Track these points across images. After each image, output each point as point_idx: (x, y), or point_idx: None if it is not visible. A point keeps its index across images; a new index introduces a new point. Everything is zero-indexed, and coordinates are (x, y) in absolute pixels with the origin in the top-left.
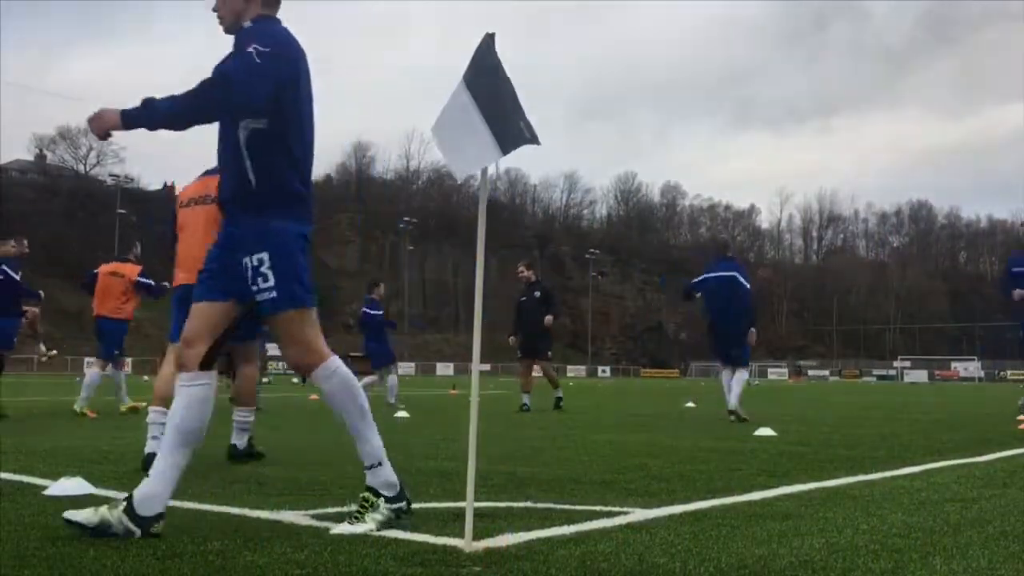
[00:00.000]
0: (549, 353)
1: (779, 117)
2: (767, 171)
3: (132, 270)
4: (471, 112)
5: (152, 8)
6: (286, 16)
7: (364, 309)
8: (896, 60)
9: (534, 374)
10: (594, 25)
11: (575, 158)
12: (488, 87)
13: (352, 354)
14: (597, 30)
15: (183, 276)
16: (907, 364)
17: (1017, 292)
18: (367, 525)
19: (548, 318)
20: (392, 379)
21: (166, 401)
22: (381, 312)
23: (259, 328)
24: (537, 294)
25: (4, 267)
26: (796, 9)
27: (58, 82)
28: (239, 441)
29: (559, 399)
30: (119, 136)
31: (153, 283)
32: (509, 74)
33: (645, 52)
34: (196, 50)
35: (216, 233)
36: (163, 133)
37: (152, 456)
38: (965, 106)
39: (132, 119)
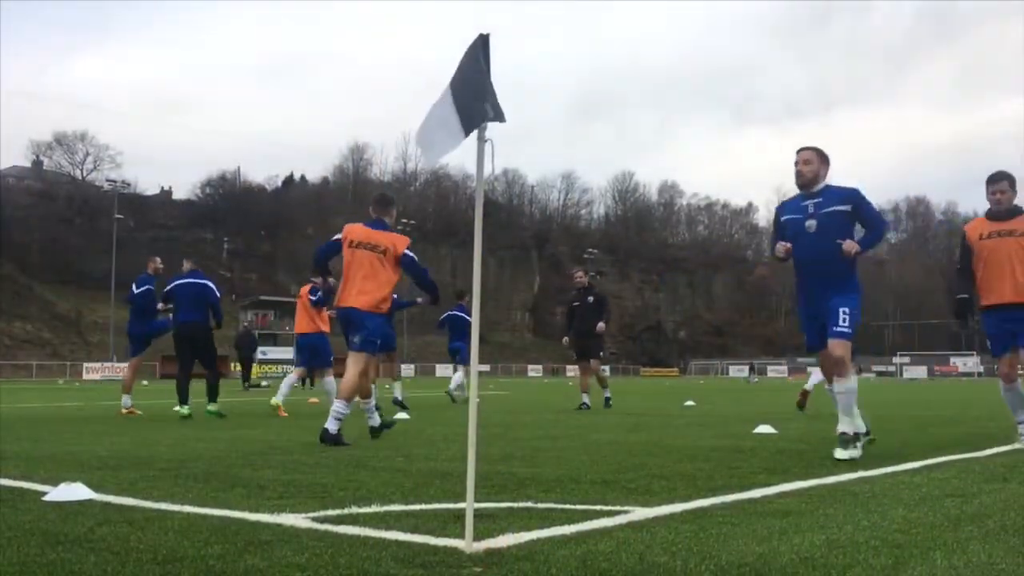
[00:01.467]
0: (601, 354)
1: (776, 114)
2: (764, 169)
3: (305, 290)
4: (447, 106)
5: (151, 11)
6: (285, 16)
7: (456, 313)
8: (894, 55)
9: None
10: (591, 25)
11: (572, 158)
12: (462, 77)
13: None
14: (594, 30)
15: (344, 300)
16: (906, 360)
17: (780, 245)
18: None
19: (600, 325)
20: (460, 375)
21: (349, 396)
22: (470, 317)
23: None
24: (591, 299)
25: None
26: (795, 8)
27: (55, 87)
28: (331, 426)
29: (608, 399)
30: (115, 140)
31: (318, 297)
32: (507, 73)
33: (641, 51)
34: (196, 53)
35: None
36: (163, 137)
37: (327, 431)
38: (962, 101)
39: None
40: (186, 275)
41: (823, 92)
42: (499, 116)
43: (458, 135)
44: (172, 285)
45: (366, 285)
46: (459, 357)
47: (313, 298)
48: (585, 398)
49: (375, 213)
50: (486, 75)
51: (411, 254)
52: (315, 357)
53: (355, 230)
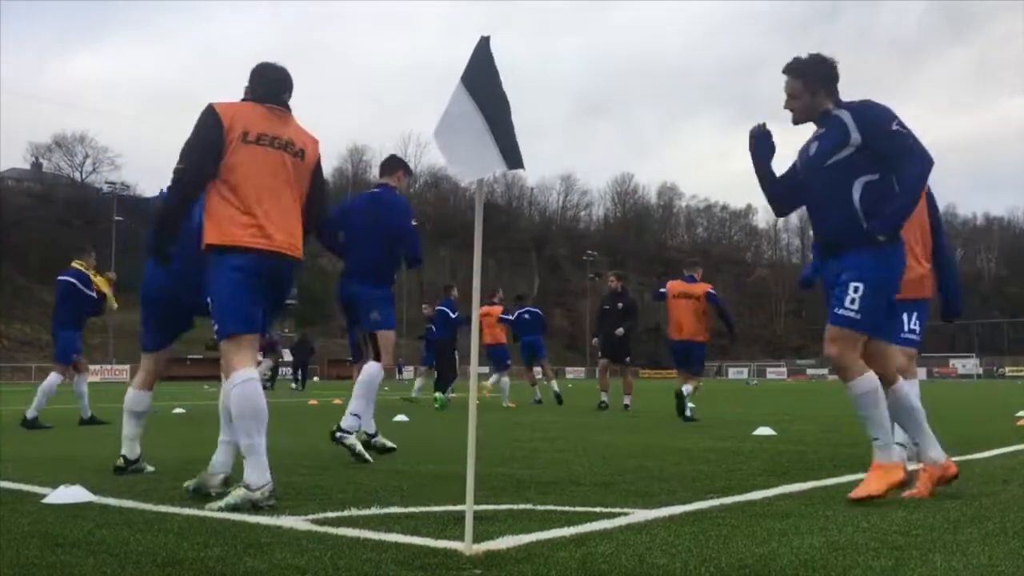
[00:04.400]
0: (628, 359)
1: (782, 113)
2: None
3: (497, 310)
4: (475, 120)
5: (149, 12)
6: (283, 14)
7: (522, 313)
8: (902, 53)
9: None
10: (592, 24)
11: (572, 160)
12: (491, 97)
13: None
14: (595, 29)
15: None
16: None
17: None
18: None
19: (618, 330)
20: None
21: None
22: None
23: None
24: (620, 305)
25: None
26: (803, 5)
27: (53, 88)
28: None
29: (627, 405)
30: (115, 143)
31: (509, 317)
32: (507, 74)
33: (643, 50)
34: (194, 51)
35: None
36: (163, 139)
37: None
38: (968, 101)
39: None
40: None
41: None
42: (521, 163)
43: (499, 164)
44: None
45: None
46: (540, 354)
47: (511, 317)
48: (604, 396)
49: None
50: (509, 106)
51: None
52: (499, 363)
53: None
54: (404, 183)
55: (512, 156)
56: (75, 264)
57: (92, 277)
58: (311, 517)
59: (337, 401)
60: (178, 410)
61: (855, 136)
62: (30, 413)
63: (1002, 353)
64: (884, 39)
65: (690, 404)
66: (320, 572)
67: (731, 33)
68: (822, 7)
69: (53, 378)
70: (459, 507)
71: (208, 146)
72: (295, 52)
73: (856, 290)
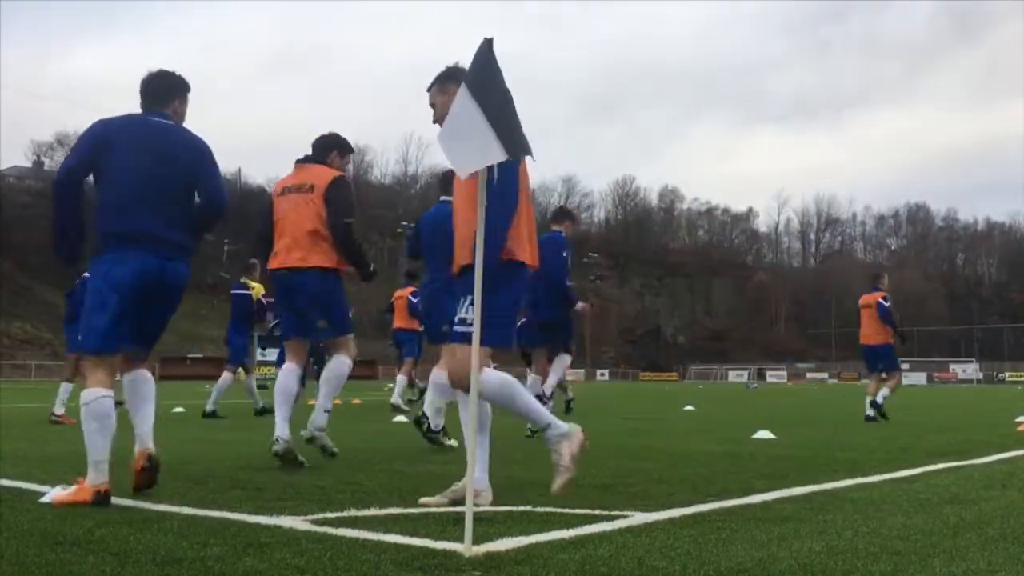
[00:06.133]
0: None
1: (776, 121)
2: (764, 174)
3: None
4: (476, 117)
5: (152, 8)
6: (285, 14)
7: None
8: (909, 56)
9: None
10: (594, 24)
11: (573, 161)
12: (492, 94)
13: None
14: (597, 29)
15: None
16: (905, 366)
17: (581, 305)
18: None
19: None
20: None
21: None
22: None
23: None
24: None
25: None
26: (809, 6)
27: (55, 86)
28: None
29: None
30: None
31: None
32: (508, 75)
33: (645, 49)
34: (195, 47)
35: None
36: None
37: None
38: (973, 105)
39: None
40: None
41: (834, 93)
42: (530, 150)
43: (497, 153)
44: None
45: None
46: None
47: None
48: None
49: None
50: (512, 100)
51: None
52: None
53: None
54: (571, 230)
55: (515, 145)
56: (244, 279)
57: (251, 288)
58: (310, 517)
59: (337, 402)
60: (178, 409)
61: None
62: (209, 407)
63: (1002, 358)
64: (889, 40)
65: (879, 399)
66: (319, 572)
67: (735, 34)
68: (828, 7)
69: (227, 377)
70: (458, 508)
71: None
72: (297, 51)
73: None
